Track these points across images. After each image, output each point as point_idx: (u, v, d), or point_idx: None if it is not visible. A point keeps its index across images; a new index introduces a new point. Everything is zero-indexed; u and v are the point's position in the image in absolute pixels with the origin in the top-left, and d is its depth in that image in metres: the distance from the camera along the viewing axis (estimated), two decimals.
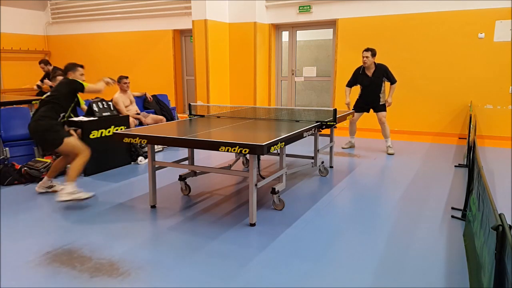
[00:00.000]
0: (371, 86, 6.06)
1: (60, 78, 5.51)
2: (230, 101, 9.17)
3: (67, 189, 3.84)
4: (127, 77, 6.69)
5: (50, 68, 8.55)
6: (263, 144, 3.03)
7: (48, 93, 4.15)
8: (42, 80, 8.57)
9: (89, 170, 5.04)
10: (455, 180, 4.77)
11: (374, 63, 5.98)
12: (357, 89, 6.34)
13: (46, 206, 3.97)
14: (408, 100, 7.65)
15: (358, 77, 6.15)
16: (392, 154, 6.10)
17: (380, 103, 6.12)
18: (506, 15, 6.72)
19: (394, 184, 4.61)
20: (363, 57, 5.91)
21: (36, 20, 11.34)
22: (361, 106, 6.22)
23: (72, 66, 4.21)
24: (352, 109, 6.12)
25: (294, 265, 2.76)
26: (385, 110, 6.14)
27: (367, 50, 5.90)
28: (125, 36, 10.37)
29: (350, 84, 6.25)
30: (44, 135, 3.98)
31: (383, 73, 6.01)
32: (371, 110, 6.26)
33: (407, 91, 7.63)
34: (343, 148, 6.51)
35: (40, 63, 8.62)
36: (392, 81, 6.07)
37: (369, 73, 6.02)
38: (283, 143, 3.36)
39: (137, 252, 2.95)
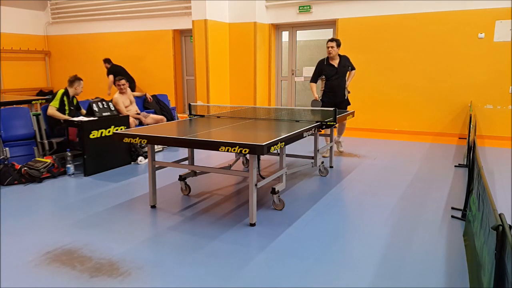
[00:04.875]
0: (337, 76, 5.86)
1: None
2: (230, 101, 9.17)
3: None
4: (122, 79, 6.62)
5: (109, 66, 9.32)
6: (263, 144, 3.03)
7: None
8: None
9: (89, 170, 5.04)
10: (455, 180, 4.77)
11: (338, 54, 5.87)
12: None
13: (46, 206, 3.97)
14: (408, 100, 7.65)
15: (324, 68, 5.88)
16: (342, 152, 6.27)
17: (346, 98, 6.00)
18: (506, 15, 6.72)
19: (394, 184, 4.61)
20: (328, 47, 5.77)
21: (36, 20, 11.34)
22: (329, 102, 5.86)
23: None
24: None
25: (294, 265, 2.76)
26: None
27: (331, 40, 5.77)
28: (125, 36, 10.37)
29: (315, 79, 6.00)
30: None
31: (347, 62, 5.93)
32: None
33: (407, 91, 7.63)
34: (324, 156, 5.85)
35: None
36: (353, 68, 6.02)
37: (335, 63, 5.85)
38: (283, 143, 3.36)
39: (137, 252, 2.95)
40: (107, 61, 9.35)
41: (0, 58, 10.34)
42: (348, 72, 6.00)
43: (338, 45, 5.81)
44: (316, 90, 6.09)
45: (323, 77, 5.97)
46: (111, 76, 8.88)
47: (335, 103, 5.74)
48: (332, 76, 5.87)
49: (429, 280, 2.56)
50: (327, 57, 5.90)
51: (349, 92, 6.09)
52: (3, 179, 4.61)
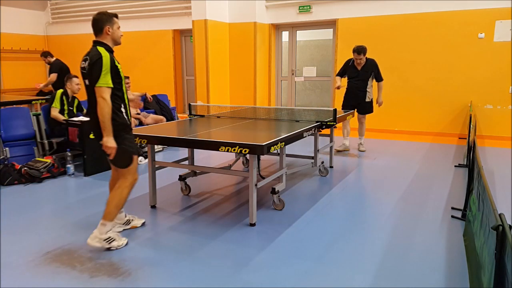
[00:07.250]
0: (358, 78, 6.07)
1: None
2: (230, 101, 9.17)
3: (97, 232, 2.96)
4: (127, 77, 6.67)
5: (52, 60, 8.23)
6: (263, 144, 3.03)
7: None
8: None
9: (89, 170, 5.04)
10: (455, 180, 4.77)
11: (366, 57, 6.03)
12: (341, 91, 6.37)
13: (46, 206, 3.97)
14: (408, 100, 7.64)
15: (348, 68, 6.17)
16: (364, 151, 6.30)
17: (366, 100, 6.12)
18: (506, 15, 6.72)
19: (394, 184, 4.61)
20: (356, 59, 5.96)
21: (36, 20, 11.34)
22: (349, 102, 6.17)
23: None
24: (342, 109, 6.06)
25: (294, 265, 2.76)
26: (370, 111, 6.21)
27: (359, 52, 5.87)
28: (125, 36, 10.25)
29: (340, 74, 6.29)
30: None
31: (372, 68, 6.04)
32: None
33: (407, 91, 7.63)
34: (337, 150, 6.26)
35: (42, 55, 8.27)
36: (378, 78, 6.12)
37: (359, 67, 6.07)
38: (283, 143, 3.36)
39: (137, 252, 2.95)
40: (47, 54, 8.21)
41: (0, 58, 10.34)
42: (375, 83, 6.15)
43: (365, 54, 5.94)
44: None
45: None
46: (54, 75, 7.97)
47: (353, 105, 6.09)
48: (353, 77, 6.13)
49: (429, 280, 2.56)
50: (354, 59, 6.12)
51: (380, 104, 6.22)
52: (3, 179, 4.61)
